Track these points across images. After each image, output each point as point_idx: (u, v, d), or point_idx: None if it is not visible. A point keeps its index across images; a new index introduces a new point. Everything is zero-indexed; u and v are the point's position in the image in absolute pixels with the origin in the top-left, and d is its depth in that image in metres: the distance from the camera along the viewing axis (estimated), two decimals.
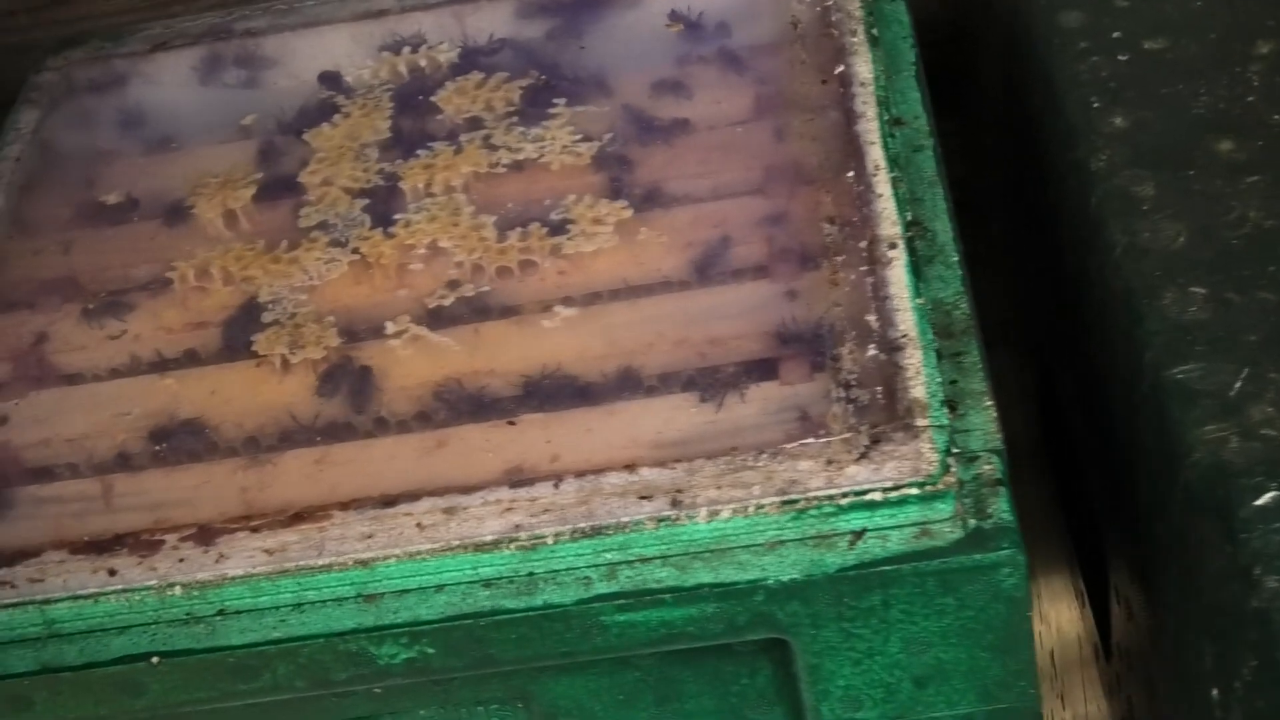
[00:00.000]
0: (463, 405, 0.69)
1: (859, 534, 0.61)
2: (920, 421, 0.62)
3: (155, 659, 0.64)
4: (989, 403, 0.64)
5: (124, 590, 0.65)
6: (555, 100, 0.83)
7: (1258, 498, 0.57)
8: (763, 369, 0.67)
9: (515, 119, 0.82)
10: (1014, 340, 1.02)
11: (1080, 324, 0.79)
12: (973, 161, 1.01)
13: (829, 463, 0.62)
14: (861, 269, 0.69)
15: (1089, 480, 0.87)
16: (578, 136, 0.80)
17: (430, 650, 0.63)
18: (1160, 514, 0.66)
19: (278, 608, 0.64)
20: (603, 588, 0.62)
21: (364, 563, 0.63)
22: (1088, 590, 0.93)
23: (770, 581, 0.61)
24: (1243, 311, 0.65)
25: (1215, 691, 0.62)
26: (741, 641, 0.64)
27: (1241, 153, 0.72)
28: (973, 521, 0.60)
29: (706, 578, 0.61)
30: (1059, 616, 1.03)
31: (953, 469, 0.61)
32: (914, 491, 0.60)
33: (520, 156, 0.80)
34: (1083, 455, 0.88)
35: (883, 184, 0.72)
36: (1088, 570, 0.93)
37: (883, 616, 0.61)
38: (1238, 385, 0.63)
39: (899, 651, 0.62)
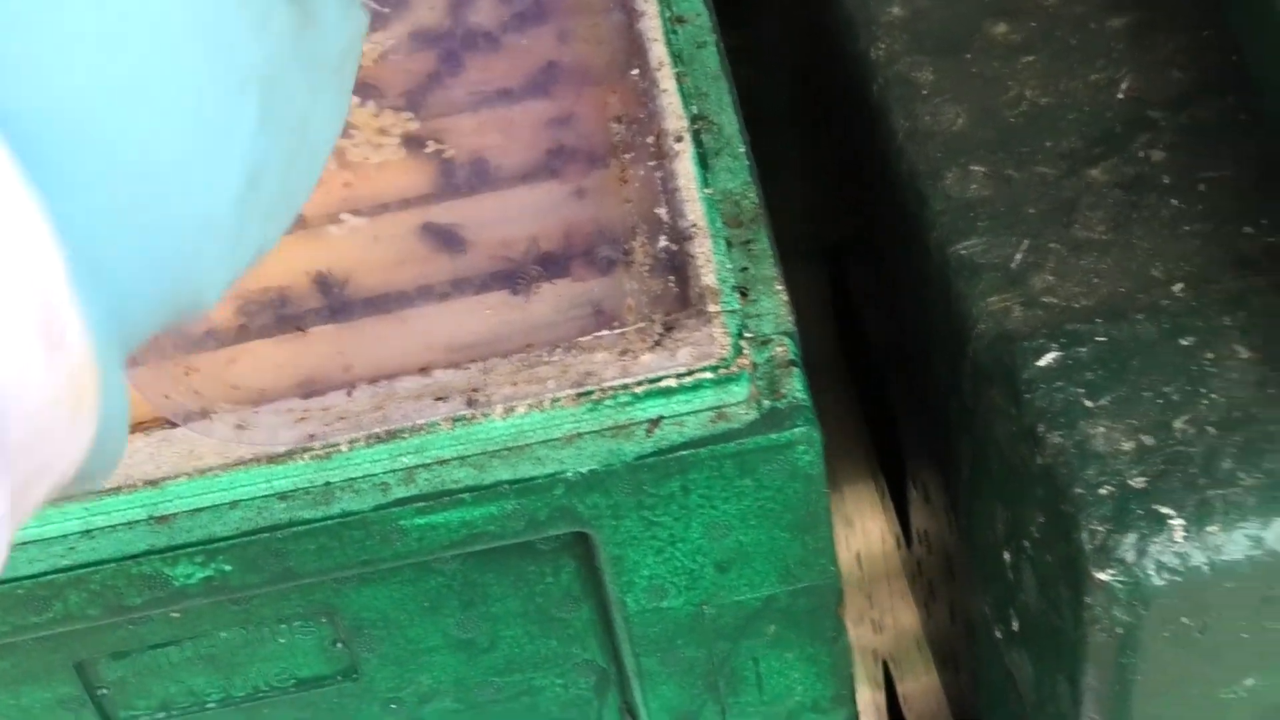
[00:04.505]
0: (247, 321, 0.67)
1: (655, 421, 0.61)
2: (712, 307, 0.62)
3: None
4: (780, 288, 0.64)
5: None
6: None
7: (1039, 358, 0.58)
8: (556, 268, 0.66)
9: None
10: (809, 252, 1.03)
11: (871, 217, 0.79)
12: (763, 73, 1.02)
13: (623, 353, 0.61)
14: (650, 164, 0.68)
15: (886, 379, 0.88)
16: None
17: (227, 568, 0.62)
18: (953, 391, 0.67)
19: (65, 535, 0.62)
20: (401, 492, 0.61)
21: (153, 482, 0.62)
22: (889, 487, 0.94)
23: (569, 474, 0.60)
24: (1023, 186, 0.67)
25: (1006, 555, 0.63)
26: (544, 539, 0.64)
27: (1016, 34, 0.73)
28: (767, 402, 0.61)
29: (505, 474, 0.61)
30: (864, 521, 1.05)
31: (746, 352, 0.61)
32: (708, 375, 0.60)
33: None
34: (879, 354, 0.89)
35: (666, 79, 0.71)
36: (889, 469, 0.94)
37: (683, 503, 0.61)
38: (1019, 257, 0.64)
39: (700, 537, 0.63)
